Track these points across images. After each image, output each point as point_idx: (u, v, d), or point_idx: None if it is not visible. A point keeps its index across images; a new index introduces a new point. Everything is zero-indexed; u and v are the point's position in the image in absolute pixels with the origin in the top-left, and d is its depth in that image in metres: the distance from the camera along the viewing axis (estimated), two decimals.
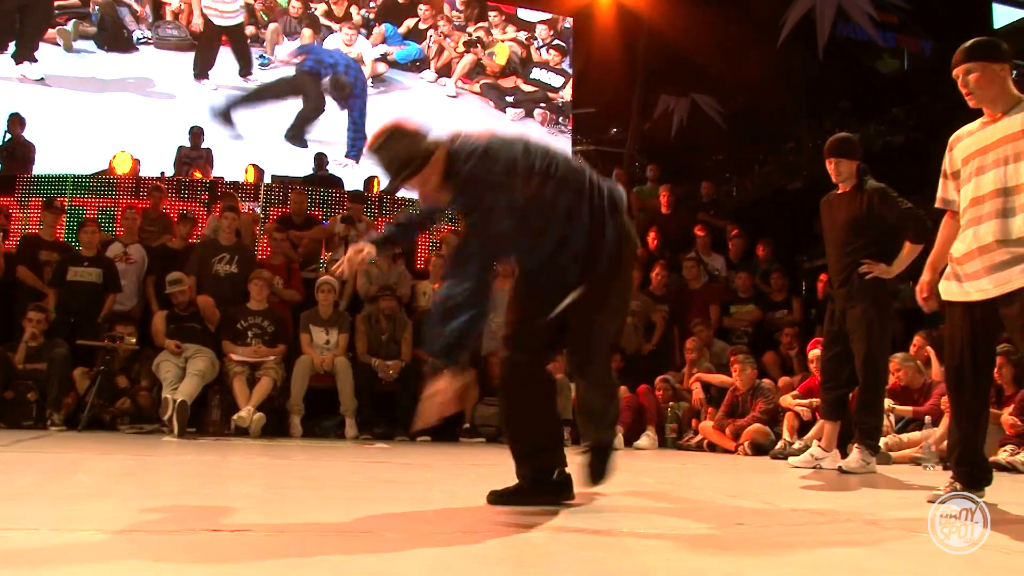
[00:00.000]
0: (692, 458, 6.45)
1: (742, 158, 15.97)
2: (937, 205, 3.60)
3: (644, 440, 7.40)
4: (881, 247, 4.91)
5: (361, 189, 10.72)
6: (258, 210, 9.77)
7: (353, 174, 11.19)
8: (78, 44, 12.52)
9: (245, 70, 12.99)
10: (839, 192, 5.10)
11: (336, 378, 7.20)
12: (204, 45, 12.88)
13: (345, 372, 7.22)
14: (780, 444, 6.45)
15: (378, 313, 7.68)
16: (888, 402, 6.01)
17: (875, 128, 13.53)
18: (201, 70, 12.81)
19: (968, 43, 3.36)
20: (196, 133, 11.27)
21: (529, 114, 14.37)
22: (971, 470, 3.37)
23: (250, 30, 13.28)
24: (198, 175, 10.58)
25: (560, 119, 14.65)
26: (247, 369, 7.04)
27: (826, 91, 14.60)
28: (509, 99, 14.32)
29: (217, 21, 12.95)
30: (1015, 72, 3.53)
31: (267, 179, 10.70)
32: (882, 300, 4.94)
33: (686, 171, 13.57)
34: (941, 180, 3.56)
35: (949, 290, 3.41)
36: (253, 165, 10.93)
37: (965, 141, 3.45)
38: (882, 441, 5.42)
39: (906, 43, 15.91)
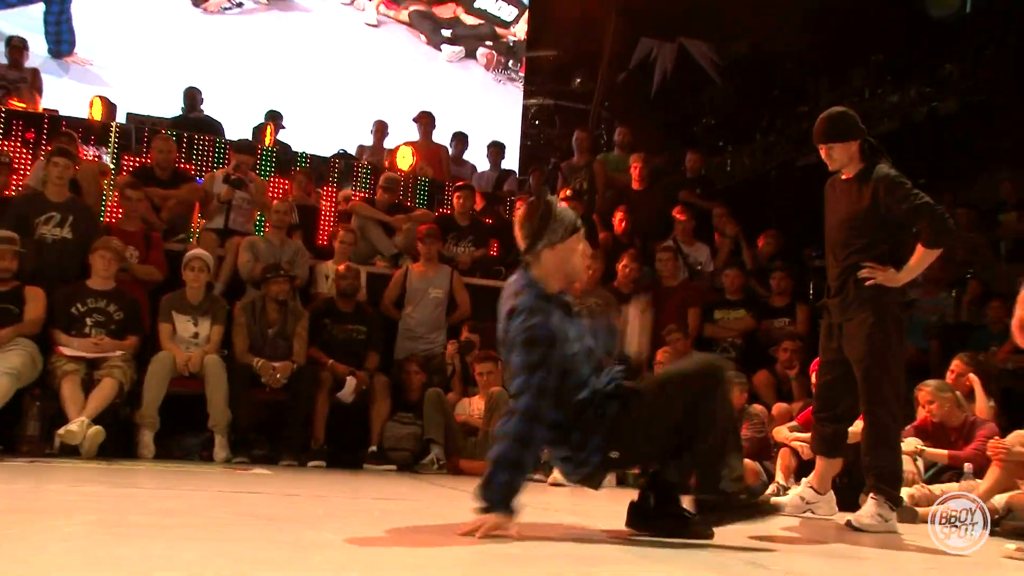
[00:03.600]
0: None
1: (741, 123, 16.11)
2: None
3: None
4: (889, 249, 4.92)
5: (249, 138, 10.54)
6: (107, 158, 9.57)
7: (238, 117, 11.00)
8: None
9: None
10: (844, 178, 5.10)
11: (205, 382, 7.13)
12: None
13: (217, 375, 7.13)
14: (772, 488, 6.48)
15: (265, 300, 7.57)
16: (915, 442, 6.07)
17: (918, 90, 13.46)
18: None
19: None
20: (16, 47, 10.93)
21: (471, 54, 14.38)
22: None
23: None
24: (19, 104, 10.18)
25: (510, 63, 14.69)
26: (83, 368, 6.91)
27: (855, 38, 14.53)
28: (446, 33, 14.30)
29: None
30: None
31: (120, 117, 10.46)
32: (886, 311, 4.89)
33: (668, 137, 13.68)
34: None
35: None
36: (101, 98, 10.63)
37: None
38: (906, 492, 5.45)
39: None
